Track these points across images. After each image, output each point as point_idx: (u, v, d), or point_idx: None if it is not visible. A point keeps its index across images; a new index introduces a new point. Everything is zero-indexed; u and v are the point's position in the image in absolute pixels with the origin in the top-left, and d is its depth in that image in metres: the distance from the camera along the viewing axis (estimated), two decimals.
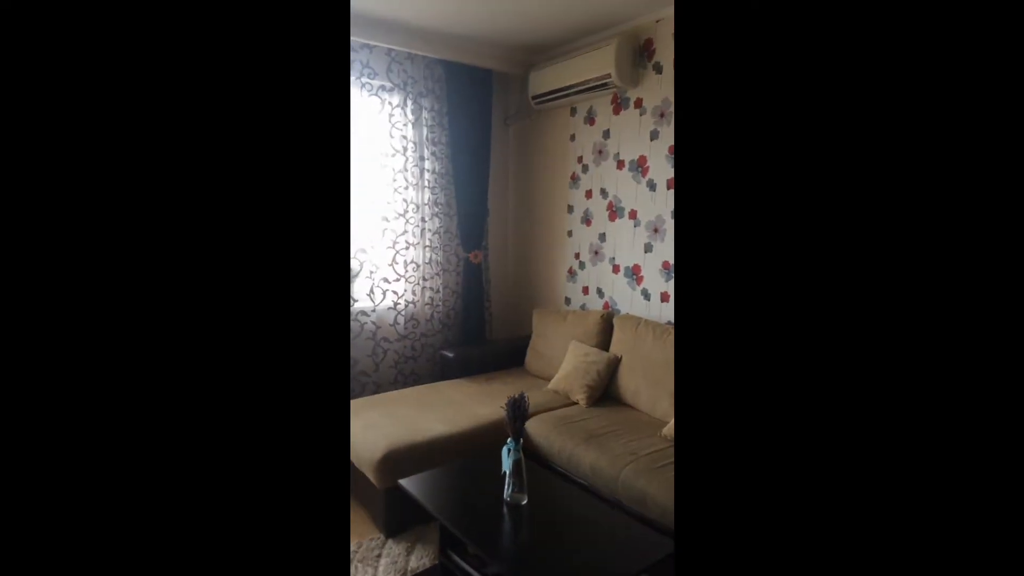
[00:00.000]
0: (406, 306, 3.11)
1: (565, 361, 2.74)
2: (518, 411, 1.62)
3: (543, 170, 3.36)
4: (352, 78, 2.81)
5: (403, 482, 1.80)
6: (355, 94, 2.85)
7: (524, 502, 1.64)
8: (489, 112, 3.27)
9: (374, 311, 3.00)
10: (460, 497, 1.76)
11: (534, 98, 3.10)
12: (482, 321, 3.36)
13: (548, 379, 2.84)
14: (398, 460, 2.08)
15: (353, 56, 2.79)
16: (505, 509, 1.63)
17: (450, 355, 3.00)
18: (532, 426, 2.37)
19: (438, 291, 3.21)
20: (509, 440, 1.64)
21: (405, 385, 3.08)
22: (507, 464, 1.64)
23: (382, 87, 2.94)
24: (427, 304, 3.18)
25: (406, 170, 3.04)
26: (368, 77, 2.86)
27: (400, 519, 2.13)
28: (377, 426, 2.25)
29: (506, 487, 1.65)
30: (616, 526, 1.58)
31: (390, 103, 2.99)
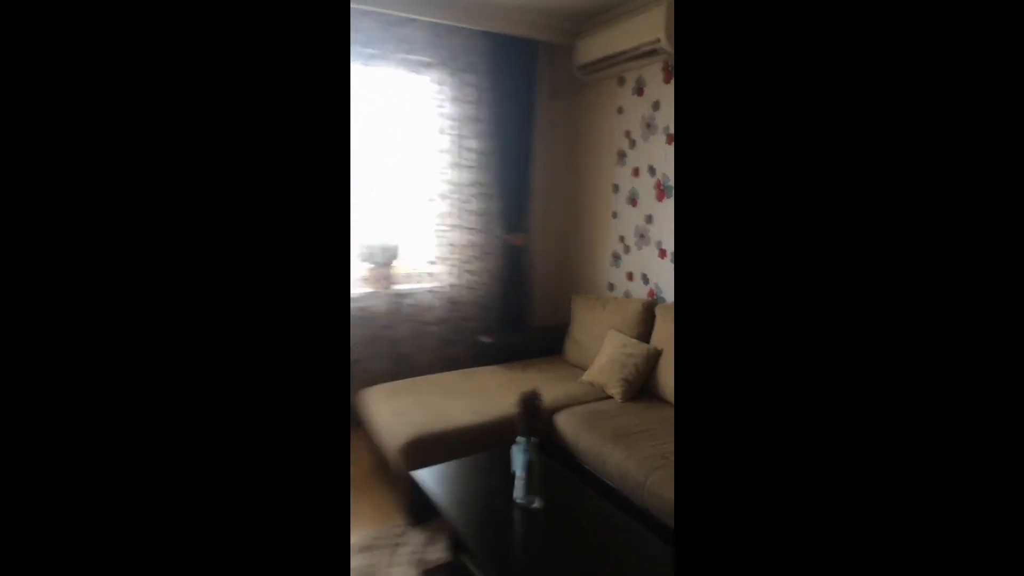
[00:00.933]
0: (447, 289, 3.07)
1: (601, 352, 2.59)
2: (530, 408, 1.52)
3: (588, 147, 3.17)
4: (390, 54, 2.74)
5: (416, 474, 1.75)
6: (393, 71, 2.79)
7: (536, 505, 1.55)
8: (533, 86, 3.11)
9: (414, 294, 2.97)
10: (473, 495, 1.69)
11: (580, 68, 2.91)
12: (523, 306, 3.26)
13: (585, 369, 2.71)
14: (421, 448, 2.04)
15: (392, 31, 2.72)
16: (516, 513, 1.55)
17: (487, 341, 2.93)
18: (561, 420, 2.26)
19: (478, 274, 3.13)
20: (520, 439, 1.54)
21: (444, 369, 3.04)
22: (517, 464, 1.55)
23: (422, 63, 2.86)
24: (467, 288, 3.12)
25: (448, 150, 2.96)
26: (407, 53, 2.78)
27: (424, 507, 2.10)
28: (406, 412, 2.22)
29: (516, 488, 1.56)
30: (636, 543, 1.45)
31: (431, 80, 2.90)
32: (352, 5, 2.56)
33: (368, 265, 2.83)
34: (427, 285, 3.02)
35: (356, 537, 2.02)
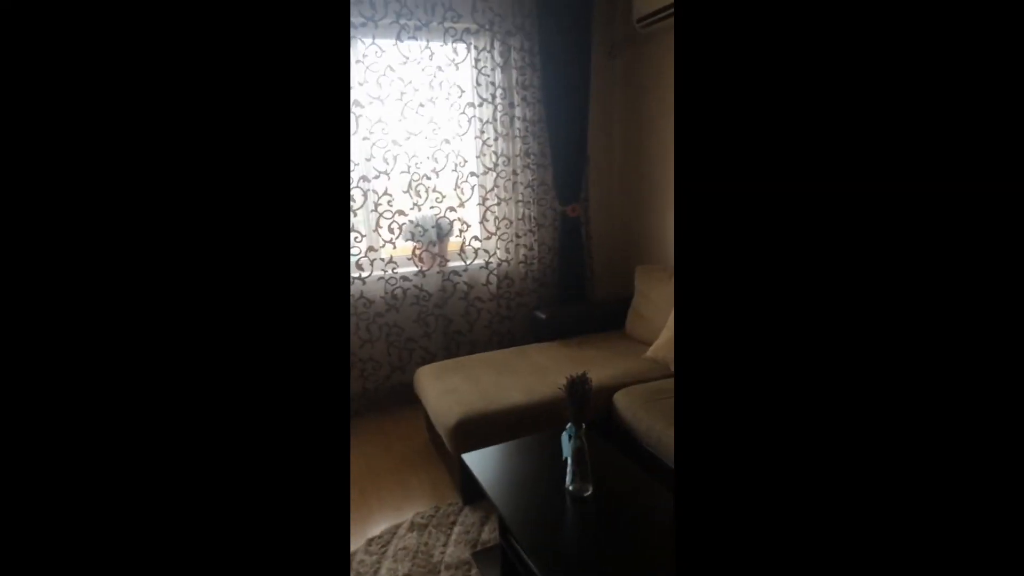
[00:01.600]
0: (499, 265, 2.99)
1: (667, 327, 2.43)
2: (578, 394, 1.42)
3: (651, 107, 2.94)
4: (435, 23, 2.64)
5: (467, 456, 1.71)
6: (437, 41, 2.69)
7: (588, 493, 1.46)
8: (588, 46, 2.91)
9: (466, 270, 2.92)
10: (522, 480, 1.62)
11: (639, 21, 2.68)
12: (581, 279, 3.13)
13: (649, 345, 2.56)
14: (471, 429, 2.00)
15: None
16: (567, 500, 1.46)
17: (543, 316, 2.83)
18: (620, 399, 2.14)
19: (532, 248, 3.03)
20: (569, 425, 1.45)
21: (500, 346, 2.99)
22: (567, 451, 1.46)
23: (467, 30, 2.73)
24: (521, 262, 3.03)
25: (495, 120, 2.84)
26: (452, 20, 2.67)
27: (477, 487, 2.07)
28: (457, 391, 2.19)
29: (567, 476, 1.47)
30: None
31: (475, 47, 2.78)
32: None
33: (419, 243, 2.80)
34: (480, 261, 2.95)
35: (412, 514, 2.03)
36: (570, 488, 1.47)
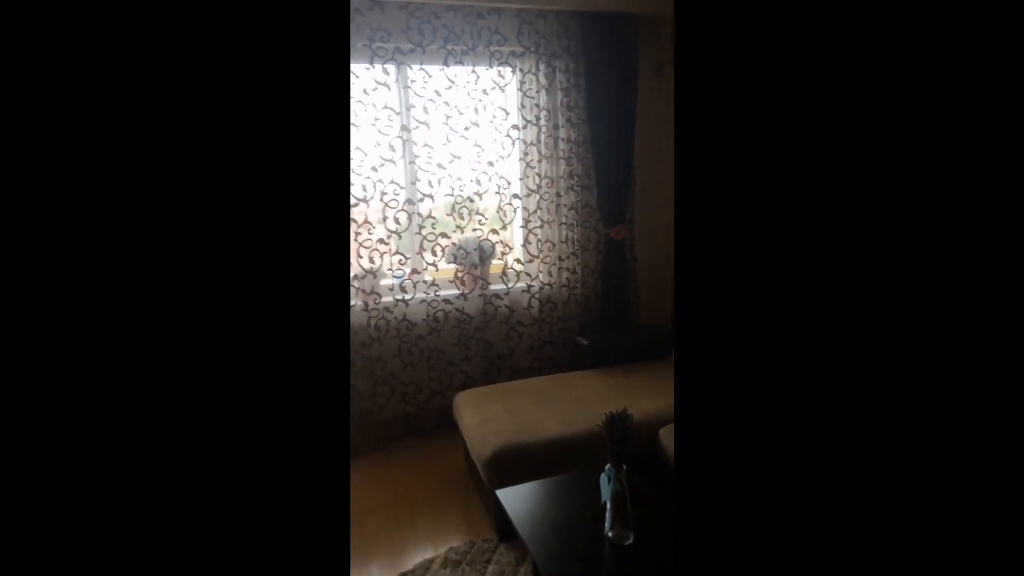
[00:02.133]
0: (541, 288, 2.93)
1: None
2: (618, 432, 1.33)
3: None
4: (480, 47, 2.65)
5: (501, 493, 1.64)
6: (483, 65, 2.69)
7: (628, 542, 1.36)
8: (635, 66, 2.84)
9: (507, 294, 2.88)
10: (559, 522, 1.54)
11: None
12: (626, 304, 3.02)
13: None
14: (508, 462, 1.93)
15: (480, 23, 2.62)
16: (606, 548, 1.37)
17: (585, 342, 2.74)
18: (666, 436, 2.02)
19: (575, 271, 2.95)
20: (608, 466, 1.36)
21: (541, 371, 2.92)
22: (606, 494, 1.37)
23: (512, 53, 2.73)
24: (564, 286, 2.95)
25: (539, 141, 2.81)
26: (497, 44, 2.67)
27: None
28: (494, 420, 2.13)
29: (606, 521, 1.38)
30: None
31: (520, 69, 2.77)
32: (435, 1, 2.50)
33: (461, 266, 2.78)
34: (521, 284, 2.90)
35: (446, 549, 1.97)
36: (609, 535, 1.37)
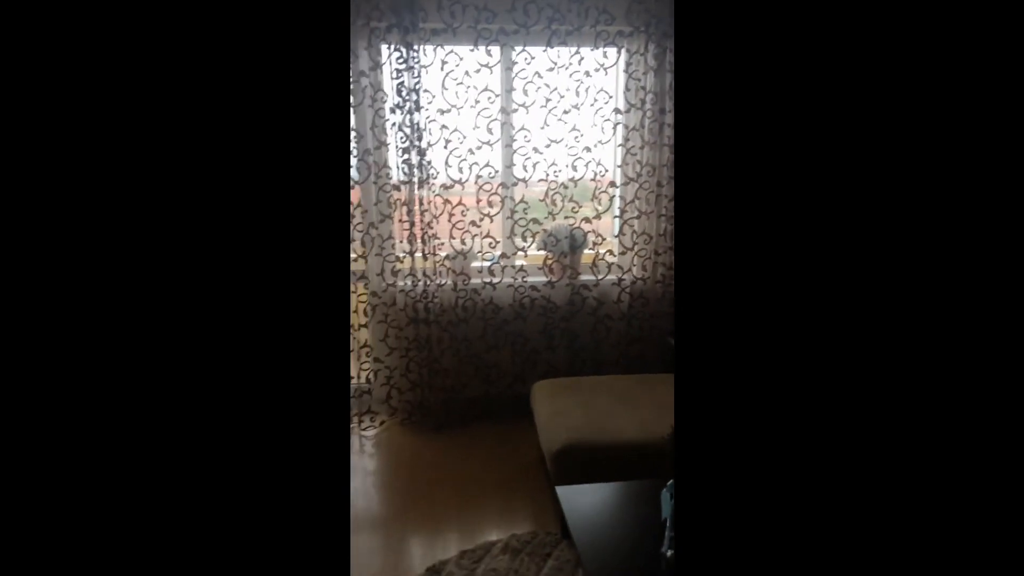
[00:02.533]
0: (633, 282, 2.80)
1: None
2: None
3: None
4: (587, 27, 2.54)
5: (561, 490, 1.60)
6: (587, 46, 2.58)
7: None
8: None
9: (596, 285, 2.78)
10: (616, 533, 1.46)
11: None
12: None
13: None
14: (575, 458, 1.88)
15: (588, 2, 2.51)
16: (662, 567, 1.28)
17: (674, 343, 2.58)
18: None
19: (672, 268, 2.77)
20: (671, 483, 1.26)
21: (628, 369, 2.80)
22: (666, 511, 1.27)
23: (620, 33, 2.59)
24: (658, 282, 2.80)
25: (642, 127, 2.65)
26: (605, 23, 2.55)
27: None
28: (566, 414, 2.08)
29: (665, 540, 1.28)
30: None
31: (627, 50, 2.62)
32: None
33: (550, 253, 2.73)
34: (612, 276, 2.79)
35: (509, 536, 1.97)
36: (666, 555, 1.28)
